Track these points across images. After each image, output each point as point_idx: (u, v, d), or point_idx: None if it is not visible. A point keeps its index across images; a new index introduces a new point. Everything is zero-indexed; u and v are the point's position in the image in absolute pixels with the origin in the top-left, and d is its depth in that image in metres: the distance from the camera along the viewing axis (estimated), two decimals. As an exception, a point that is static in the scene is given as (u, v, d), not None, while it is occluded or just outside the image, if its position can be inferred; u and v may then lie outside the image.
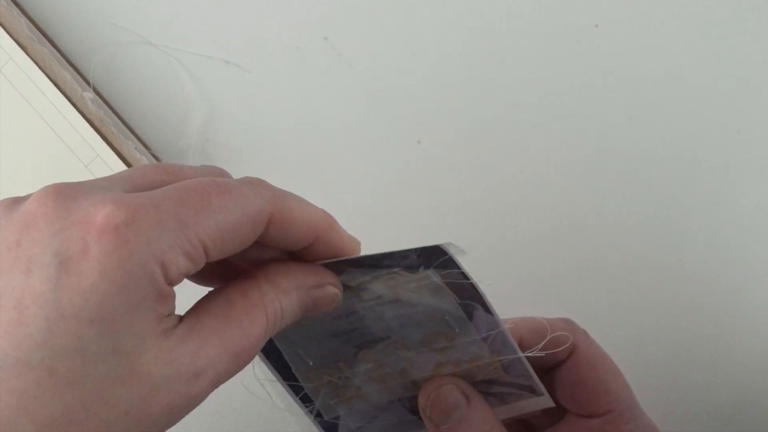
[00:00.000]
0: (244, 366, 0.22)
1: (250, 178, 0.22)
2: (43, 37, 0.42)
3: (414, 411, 0.29)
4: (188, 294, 0.22)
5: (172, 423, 0.20)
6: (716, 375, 0.41)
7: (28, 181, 0.42)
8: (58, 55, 0.42)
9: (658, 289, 0.41)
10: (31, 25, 0.41)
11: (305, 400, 0.28)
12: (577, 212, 0.41)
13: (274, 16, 0.42)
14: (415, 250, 0.24)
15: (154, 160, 0.42)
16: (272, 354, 0.27)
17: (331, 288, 0.24)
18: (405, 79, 0.42)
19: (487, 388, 0.28)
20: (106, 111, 0.41)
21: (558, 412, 0.30)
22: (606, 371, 0.29)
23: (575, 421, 0.30)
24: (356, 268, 0.24)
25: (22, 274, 0.18)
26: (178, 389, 0.19)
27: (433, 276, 0.24)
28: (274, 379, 0.27)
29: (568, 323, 0.30)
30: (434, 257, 0.24)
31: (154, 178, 0.22)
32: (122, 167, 0.41)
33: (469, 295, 0.25)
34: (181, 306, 0.21)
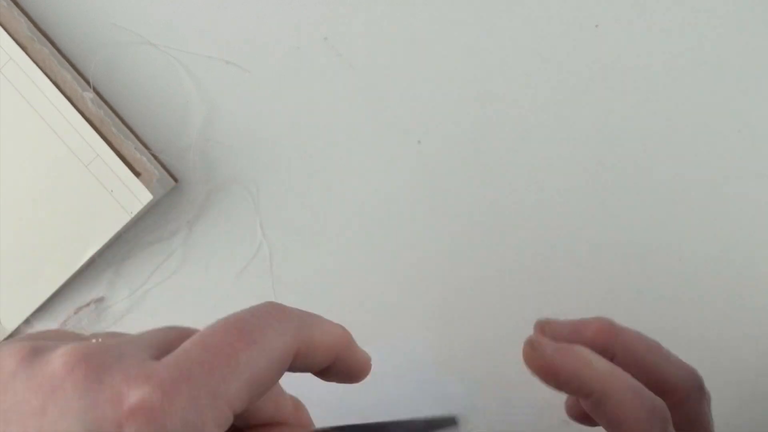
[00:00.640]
0: None
1: (272, 311, 0.21)
2: (43, 37, 0.42)
3: None
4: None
5: None
6: (716, 375, 0.41)
7: (28, 182, 0.42)
8: (58, 55, 0.42)
9: (658, 288, 0.41)
10: (31, 25, 0.41)
11: None
12: (577, 212, 0.41)
13: (274, 16, 0.42)
14: (425, 419, 0.23)
15: (154, 160, 0.42)
16: None
17: None
18: (405, 79, 0.42)
19: None
20: (106, 111, 0.41)
21: None
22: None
23: None
24: None
25: None
26: None
27: None
28: None
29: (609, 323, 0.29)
30: (443, 425, 0.24)
31: (175, 335, 0.21)
32: (122, 167, 0.41)
33: None
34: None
